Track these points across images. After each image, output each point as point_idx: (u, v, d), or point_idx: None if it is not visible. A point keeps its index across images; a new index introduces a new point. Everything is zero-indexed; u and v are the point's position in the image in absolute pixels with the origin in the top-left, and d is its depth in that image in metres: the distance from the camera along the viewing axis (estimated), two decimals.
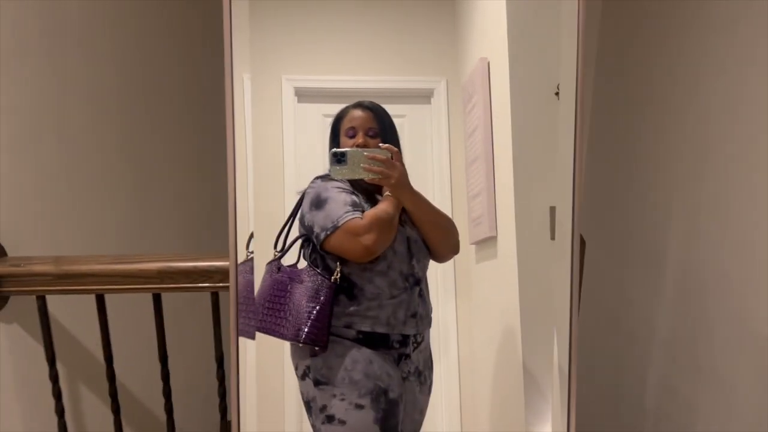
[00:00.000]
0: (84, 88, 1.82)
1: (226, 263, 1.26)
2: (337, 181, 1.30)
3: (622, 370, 1.82)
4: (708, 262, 1.46)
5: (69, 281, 1.48)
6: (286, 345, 1.31)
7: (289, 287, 1.25)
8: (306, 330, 1.20)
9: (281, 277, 1.26)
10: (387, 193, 1.27)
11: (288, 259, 1.30)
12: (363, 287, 1.24)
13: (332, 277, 1.23)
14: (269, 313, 1.25)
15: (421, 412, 1.32)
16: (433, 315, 1.34)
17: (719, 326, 1.42)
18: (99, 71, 1.86)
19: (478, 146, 1.48)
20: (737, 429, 1.37)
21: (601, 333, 1.96)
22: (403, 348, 1.26)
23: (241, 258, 1.28)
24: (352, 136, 1.30)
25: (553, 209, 1.33)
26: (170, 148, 1.99)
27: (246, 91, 1.60)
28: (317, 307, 1.21)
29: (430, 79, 1.65)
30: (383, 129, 1.31)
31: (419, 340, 1.30)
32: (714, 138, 1.44)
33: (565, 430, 1.26)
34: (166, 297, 1.57)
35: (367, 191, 1.29)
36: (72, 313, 1.72)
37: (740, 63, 1.36)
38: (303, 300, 1.22)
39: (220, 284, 1.47)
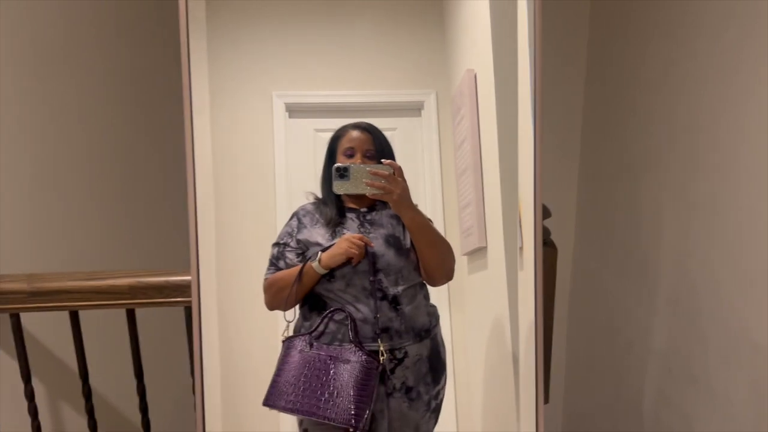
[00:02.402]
0: (59, 109, 1.84)
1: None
2: (296, 218, 1.35)
3: (620, 381, 1.81)
4: (700, 271, 1.45)
5: (42, 298, 1.48)
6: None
7: (332, 367, 1.23)
8: (363, 416, 1.19)
9: (319, 356, 1.25)
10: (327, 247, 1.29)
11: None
12: (330, 304, 1.28)
13: (381, 359, 1.24)
14: (307, 394, 1.22)
15: (417, 429, 1.31)
16: None
17: (713, 336, 1.41)
18: (74, 91, 1.87)
19: (467, 157, 1.48)
20: None
21: (599, 344, 1.95)
22: (381, 365, 1.26)
23: None
24: (350, 156, 1.33)
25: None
26: (144, 163, 2.00)
27: (235, 107, 1.63)
28: (367, 396, 1.21)
29: (420, 92, 1.65)
30: (380, 150, 1.34)
31: (399, 356, 1.28)
32: (705, 145, 1.43)
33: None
34: (146, 312, 1.56)
35: (340, 215, 1.34)
36: (50, 329, 1.73)
37: (730, 65, 1.36)
38: (351, 381, 1.21)
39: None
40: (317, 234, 1.33)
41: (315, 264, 1.28)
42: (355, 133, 1.35)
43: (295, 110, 1.65)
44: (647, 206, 1.67)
